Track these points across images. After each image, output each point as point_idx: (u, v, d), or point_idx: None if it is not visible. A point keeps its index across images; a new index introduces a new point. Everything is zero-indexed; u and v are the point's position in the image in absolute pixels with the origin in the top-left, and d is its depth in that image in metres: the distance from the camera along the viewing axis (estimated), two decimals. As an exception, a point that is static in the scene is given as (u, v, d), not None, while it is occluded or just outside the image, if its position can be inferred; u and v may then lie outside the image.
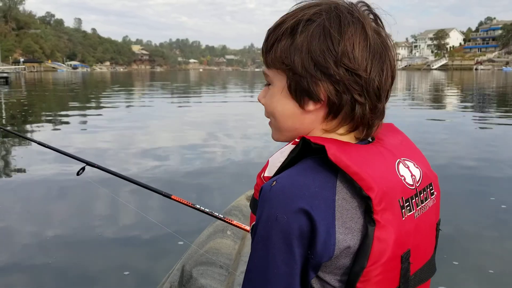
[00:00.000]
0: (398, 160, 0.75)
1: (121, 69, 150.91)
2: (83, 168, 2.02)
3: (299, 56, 0.71)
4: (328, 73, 0.69)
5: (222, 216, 1.89)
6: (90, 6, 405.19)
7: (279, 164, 0.75)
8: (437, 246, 0.82)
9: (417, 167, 0.77)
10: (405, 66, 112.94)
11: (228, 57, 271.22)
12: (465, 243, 3.65)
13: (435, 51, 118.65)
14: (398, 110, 13.71)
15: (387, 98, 0.76)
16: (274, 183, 0.69)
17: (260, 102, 0.82)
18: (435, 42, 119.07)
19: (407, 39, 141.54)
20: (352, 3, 0.74)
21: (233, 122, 11.25)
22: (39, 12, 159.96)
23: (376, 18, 0.75)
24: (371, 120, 0.74)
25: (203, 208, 1.87)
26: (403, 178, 0.73)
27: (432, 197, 0.79)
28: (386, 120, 0.78)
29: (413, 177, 0.75)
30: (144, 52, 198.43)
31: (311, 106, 0.73)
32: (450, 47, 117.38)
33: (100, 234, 3.77)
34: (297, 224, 0.65)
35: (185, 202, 1.89)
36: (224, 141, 8.28)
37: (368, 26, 0.71)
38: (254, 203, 0.78)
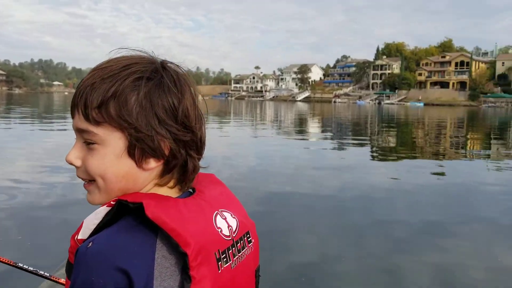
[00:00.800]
0: (216, 212, 0.77)
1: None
2: None
3: (142, 114, 0.69)
4: (171, 131, 0.71)
5: (48, 274, 1.67)
6: None
7: (93, 227, 0.72)
8: None
9: (234, 217, 0.79)
10: (273, 97, 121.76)
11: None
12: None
13: (299, 84, 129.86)
14: (268, 140, 15.07)
15: None
16: (90, 244, 0.66)
17: (72, 163, 0.74)
18: (299, 75, 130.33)
19: (274, 72, 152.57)
20: (171, 62, 0.76)
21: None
22: None
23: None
24: (197, 172, 0.78)
25: (26, 267, 1.65)
26: (219, 230, 0.74)
27: (249, 245, 0.82)
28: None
29: (230, 227, 0.77)
30: (0, 72, 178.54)
31: (152, 164, 0.72)
32: (312, 81, 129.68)
33: None
34: (114, 285, 0.64)
35: (5, 261, 1.68)
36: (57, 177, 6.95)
37: (193, 86, 0.76)
38: (70, 268, 0.74)
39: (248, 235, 0.82)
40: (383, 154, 12.40)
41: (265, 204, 5.81)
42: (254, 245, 0.84)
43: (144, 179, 0.74)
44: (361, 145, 14.52)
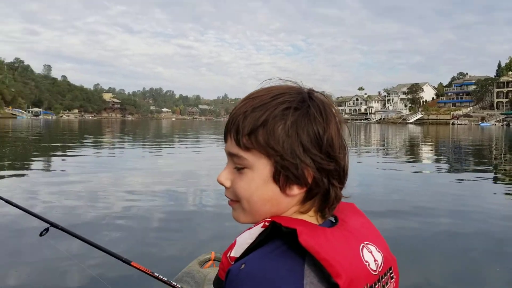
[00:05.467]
0: (362, 244, 0.77)
1: (90, 117, 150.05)
2: (46, 229, 2.05)
3: (288, 142, 0.73)
4: (315, 159, 0.74)
5: (180, 286, 1.92)
6: (65, 54, 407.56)
7: (246, 246, 0.76)
8: None
9: (378, 251, 0.80)
10: (379, 119, 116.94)
11: (201, 106, 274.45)
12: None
13: (409, 105, 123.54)
14: (376, 165, 13.98)
15: None
16: (243, 266, 0.70)
17: (222, 184, 0.81)
18: (409, 96, 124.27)
19: (379, 92, 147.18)
20: (317, 92, 0.79)
21: (206, 176, 11.23)
22: (11, 59, 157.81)
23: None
24: (339, 201, 0.80)
25: (161, 277, 1.92)
26: (367, 264, 0.75)
27: (391, 281, 0.82)
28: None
29: (376, 262, 0.77)
30: (115, 100, 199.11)
31: (295, 191, 0.76)
32: (423, 101, 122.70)
33: None
34: None
35: (144, 270, 1.95)
36: (192, 196, 8.23)
37: (338, 116, 0.79)
38: (219, 283, 0.79)
39: (391, 271, 0.82)
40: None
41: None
42: (395, 282, 0.84)
43: (286, 204, 0.78)
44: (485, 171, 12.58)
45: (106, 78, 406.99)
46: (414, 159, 17.64)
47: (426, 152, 21.87)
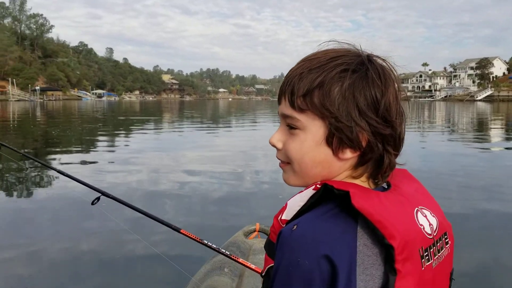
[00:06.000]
0: (416, 208, 0.76)
1: (150, 98, 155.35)
2: (98, 198, 2.13)
3: (344, 104, 0.72)
4: (371, 123, 0.73)
5: (228, 253, 1.96)
6: (126, 37, 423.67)
7: (297, 208, 0.76)
8: None
9: (433, 216, 0.79)
10: (445, 96, 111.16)
11: (258, 86, 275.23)
12: None
13: (478, 81, 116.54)
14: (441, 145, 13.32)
15: None
16: (295, 227, 0.70)
17: (274, 145, 0.81)
18: (477, 71, 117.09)
19: (445, 68, 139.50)
20: (378, 56, 0.78)
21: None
22: (76, 42, 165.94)
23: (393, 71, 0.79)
24: (393, 168, 0.78)
25: (210, 244, 1.96)
26: (422, 227, 0.74)
27: (447, 246, 0.81)
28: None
29: (431, 226, 0.77)
30: (174, 81, 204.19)
31: (348, 154, 0.75)
32: (493, 77, 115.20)
33: (107, 263, 3.90)
34: (318, 270, 0.66)
35: (193, 237, 1.99)
36: (248, 171, 8.24)
37: (397, 81, 0.77)
38: (270, 246, 0.80)
39: (446, 236, 0.81)
40: None
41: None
42: (450, 247, 0.83)
43: (338, 168, 0.77)
44: None
45: (165, 59, 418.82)
46: (482, 138, 16.60)
47: (496, 131, 20.52)
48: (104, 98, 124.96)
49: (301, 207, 0.75)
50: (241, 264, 1.93)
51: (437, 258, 0.77)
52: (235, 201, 6.13)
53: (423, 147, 12.56)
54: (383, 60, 0.77)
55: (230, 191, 6.73)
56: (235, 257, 1.94)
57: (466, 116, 33.98)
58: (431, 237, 0.76)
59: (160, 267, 3.66)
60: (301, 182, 0.80)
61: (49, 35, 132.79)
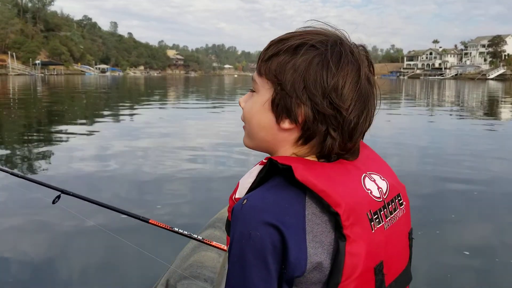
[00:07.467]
0: (364, 174, 0.80)
1: (155, 74, 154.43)
2: (58, 196, 2.07)
3: (292, 75, 0.76)
4: (313, 100, 0.75)
5: (201, 238, 1.99)
6: (132, 11, 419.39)
7: (248, 185, 0.80)
8: (411, 255, 0.87)
9: (383, 180, 0.82)
10: (455, 75, 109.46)
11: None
12: None
13: (490, 59, 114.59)
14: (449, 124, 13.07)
15: (361, 138, 0.82)
16: (245, 201, 0.73)
17: (240, 105, 0.86)
18: (489, 49, 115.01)
19: (456, 46, 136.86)
20: (354, 43, 0.80)
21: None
22: (80, 16, 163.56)
23: (370, 65, 0.80)
24: (339, 155, 0.79)
25: (181, 231, 1.97)
26: (369, 191, 0.78)
27: (401, 207, 0.85)
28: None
29: (380, 189, 0.80)
30: (179, 57, 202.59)
31: (286, 124, 0.78)
32: (506, 55, 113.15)
33: (76, 261, 3.62)
34: (269, 240, 0.69)
35: (163, 226, 1.99)
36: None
37: (363, 70, 0.77)
38: (228, 225, 0.81)
39: (399, 197, 0.85)
40: None
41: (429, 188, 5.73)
42: (405, 208, 0.86)
43: (282, 138, 0.80)
44: None
45: (170, 35, 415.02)
46: (493, 118, 16.28)
47: (508, 111, 20.14)
48: (108, 73, 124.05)
49: (252, 184, 0.79)
50: (214, 246, 1.95)
51: (389, 219, 0.79)
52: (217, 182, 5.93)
53: (432, 126, 12.31)
54: (357, 47, 0.79)
55: (205, 176, 6.39)
56: (208, 241, 1.96)
57: (476, 95, 33.37)
58: (380, 200, 0.78)
59: (136, 260, 3.46)
60: (253, 144, 0.85)
61: (53, 8, 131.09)
